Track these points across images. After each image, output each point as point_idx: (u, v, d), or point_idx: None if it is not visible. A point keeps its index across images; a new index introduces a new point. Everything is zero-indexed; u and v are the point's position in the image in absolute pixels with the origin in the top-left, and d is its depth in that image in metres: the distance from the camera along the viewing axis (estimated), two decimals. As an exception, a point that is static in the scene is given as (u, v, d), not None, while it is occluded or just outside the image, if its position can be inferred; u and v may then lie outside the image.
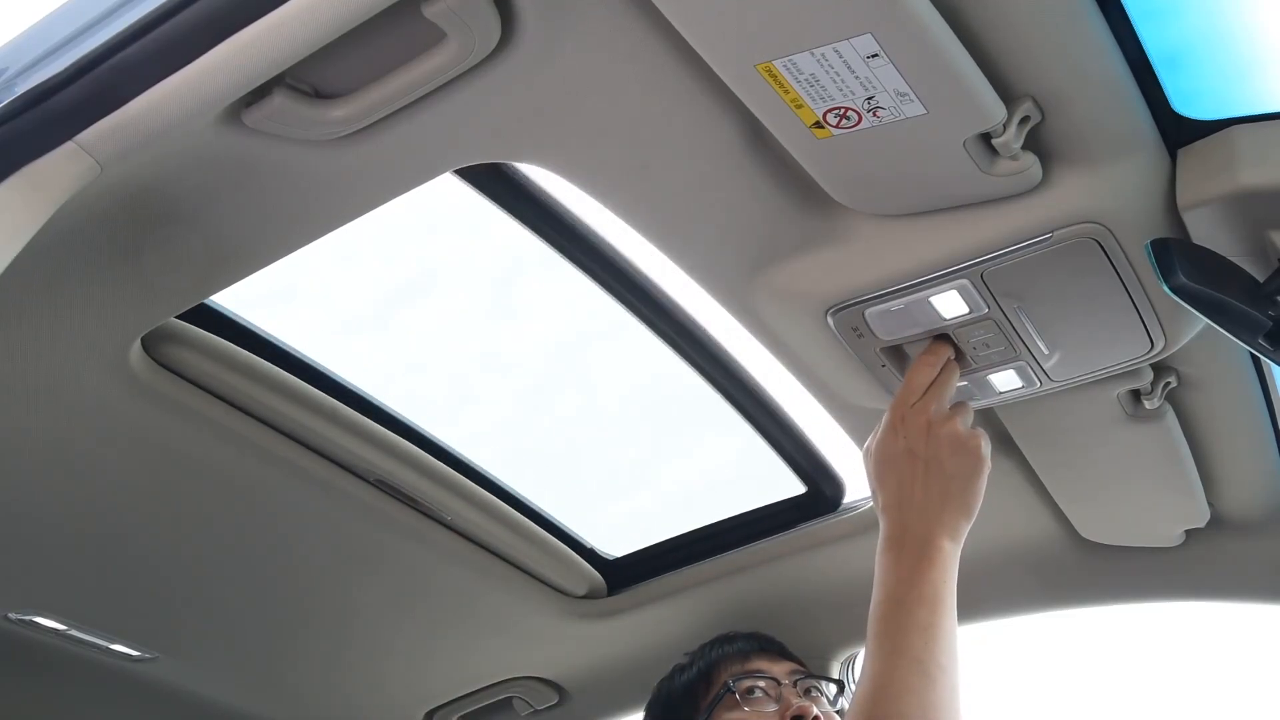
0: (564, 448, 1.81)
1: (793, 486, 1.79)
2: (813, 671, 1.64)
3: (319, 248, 1.20)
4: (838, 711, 1.62)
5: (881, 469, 1.21)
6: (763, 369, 1.60)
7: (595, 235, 1.38)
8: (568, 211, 1.34)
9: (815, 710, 1.49)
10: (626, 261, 1.42)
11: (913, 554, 1.14)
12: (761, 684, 1.54)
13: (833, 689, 1.66)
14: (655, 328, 1.51)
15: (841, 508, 1.77)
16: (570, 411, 1.85)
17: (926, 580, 1.12)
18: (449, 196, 1.24)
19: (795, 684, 1.55)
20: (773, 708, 1.51)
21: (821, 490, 1.78)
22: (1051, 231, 1.08)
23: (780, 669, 1.58)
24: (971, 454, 1.19)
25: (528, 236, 1.34)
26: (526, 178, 1.29)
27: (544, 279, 1.45)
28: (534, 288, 1.53)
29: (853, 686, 1.94)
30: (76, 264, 1.15)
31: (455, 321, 1.74)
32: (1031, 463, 1.47)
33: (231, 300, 1.37)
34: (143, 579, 1.69)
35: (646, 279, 1.45)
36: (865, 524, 1.66)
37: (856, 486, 1.78)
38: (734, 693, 1.53)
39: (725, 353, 1.58)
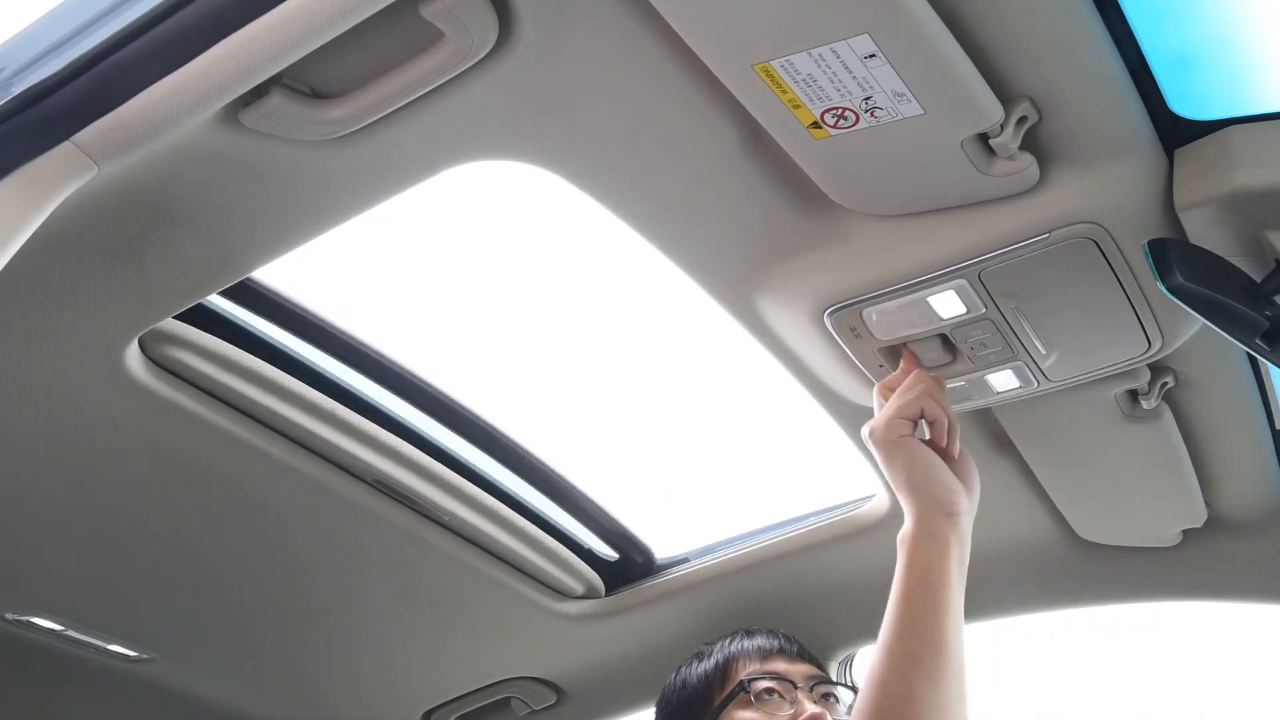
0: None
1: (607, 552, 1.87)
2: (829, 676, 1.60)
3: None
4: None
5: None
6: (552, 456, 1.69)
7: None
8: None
9: (829, 717, 1.45)
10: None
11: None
12: (777, 686, 1.50)
13: (849, 695, 1.62)
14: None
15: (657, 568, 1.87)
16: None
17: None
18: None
19: (812, 689, 1.52)
20: (787, 711, 1.47)
21: (632, 558, 1.86)
22: (1049, 231, 1.09)
23: (798, 672, 1.54)
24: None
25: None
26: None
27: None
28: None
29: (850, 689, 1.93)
30: (73, 264, 1.15)
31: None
32: (1029, 463, 1.47)
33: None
34: (140, 579, 1.69)
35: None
36: (865, 524, 1.66)
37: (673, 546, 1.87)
38: (748, 692, 1.49)
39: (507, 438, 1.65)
